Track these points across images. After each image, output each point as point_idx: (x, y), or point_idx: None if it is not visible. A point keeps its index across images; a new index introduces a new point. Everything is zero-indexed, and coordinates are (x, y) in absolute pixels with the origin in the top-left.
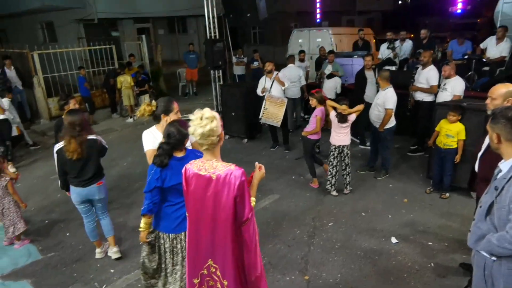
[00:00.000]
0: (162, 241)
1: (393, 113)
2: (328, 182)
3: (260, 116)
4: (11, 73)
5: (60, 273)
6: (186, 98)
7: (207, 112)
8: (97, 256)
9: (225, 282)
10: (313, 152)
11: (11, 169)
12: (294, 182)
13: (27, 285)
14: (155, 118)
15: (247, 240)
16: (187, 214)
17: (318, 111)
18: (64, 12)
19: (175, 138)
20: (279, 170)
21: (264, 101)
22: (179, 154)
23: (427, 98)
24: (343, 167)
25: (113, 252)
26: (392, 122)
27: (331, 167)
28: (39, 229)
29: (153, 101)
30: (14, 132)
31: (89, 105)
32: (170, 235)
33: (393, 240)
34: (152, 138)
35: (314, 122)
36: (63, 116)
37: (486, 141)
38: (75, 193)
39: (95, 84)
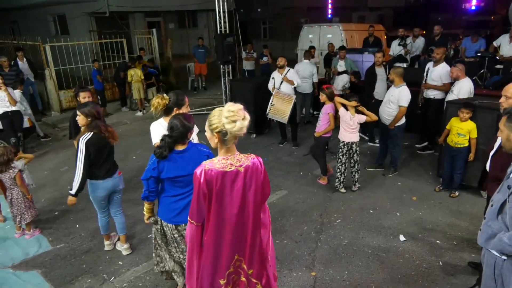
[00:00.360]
0: (164, 229)
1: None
2: (337, 180)
3: (267, 112)
4: (23, 65)
5: (70, 264)
6: (195, 92)
7: (236, 105)
8: (106, 248)
9: (250, 271)
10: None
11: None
12: (302, 178)
13: (37, 275)
14: (167, 111)
15: (264, 217)
16: (191, 221)
17: (329, 108)
18: (76, 5)
19: (179, 131)
20: (287, 166)
21: (271, 96)
22: (180, 148)
23: (439, 95)
24: (352, 164)
25: (124, 248)
26: (402, 120)
27: (340, 164)
28: (50, 220)
29: (165, 94)
30: (26, 124)
31: (101, 98)
32: (169, 224)
33: (401, 238)
34: (162, 130)
35: (326, 119)
36: (82, 110)
37: (499, 140)
38: (101, 187)
39: (105, 77)
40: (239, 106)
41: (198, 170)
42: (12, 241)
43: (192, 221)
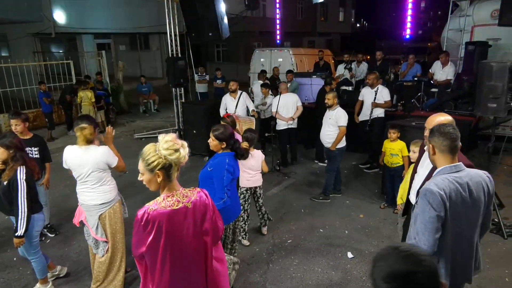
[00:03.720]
0: None
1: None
2: (242, 229)
3: None
4: None
5: None
6: (147, 115)
7: (169, 135)
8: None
9: None
10: None
11: None
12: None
13: None
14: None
15: (220, 256)
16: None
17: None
18: (19, 25)
19: (229, 136)
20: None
21: None
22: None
23: (381, 114)
24: (258, 208)
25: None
26: (343, 142)
27: (242, 211)
28: None
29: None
30: None
31: (49, 121)
32: None
33: (349, 255)
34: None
35: None
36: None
37: (423, 174)
38: (41, 219)
39: (53, 100)
40: (173, 135)
41: (140, 212)
42: None
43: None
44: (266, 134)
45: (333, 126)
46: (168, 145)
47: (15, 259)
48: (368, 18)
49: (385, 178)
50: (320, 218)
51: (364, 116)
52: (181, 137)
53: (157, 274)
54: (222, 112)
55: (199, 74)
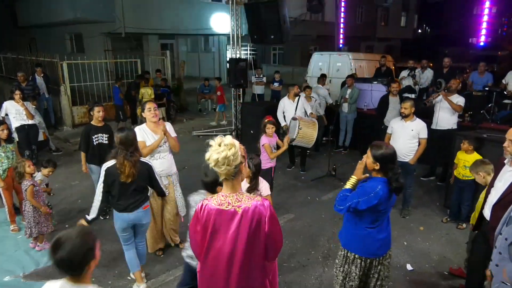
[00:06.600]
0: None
1: None
2: None
3: (293, 137)
4: (40, 80)
5: None
6: (204, 113)
7: (228, 139)
8: None
9: None
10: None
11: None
12: (309, 203)
13: None
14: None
15: (274, 273)
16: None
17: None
18: (93, 25)
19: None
20: (294, 190)
21: (297, 121)
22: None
23: (455, 126)
24: None
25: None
26: None
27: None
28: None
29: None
30: (40, 137)
31: (122, 113)
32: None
33: (409, 267)
34: (142, 133)
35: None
36: (116, 134)
37: (501, 188)
38: (121, 219)
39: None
40: (227, 141)
41: (199, 204)
42: (23, 251)
43: (199, 258)
44: (324, 139)
45: (414, 138)
46: (212, 143)
47: None
48: (432, 23)
49: (452, 191)
50: None
51: (438, 125)
52: (238, 137)
53: (200, 263)
54: (280, 115)
55: (257, 76)
